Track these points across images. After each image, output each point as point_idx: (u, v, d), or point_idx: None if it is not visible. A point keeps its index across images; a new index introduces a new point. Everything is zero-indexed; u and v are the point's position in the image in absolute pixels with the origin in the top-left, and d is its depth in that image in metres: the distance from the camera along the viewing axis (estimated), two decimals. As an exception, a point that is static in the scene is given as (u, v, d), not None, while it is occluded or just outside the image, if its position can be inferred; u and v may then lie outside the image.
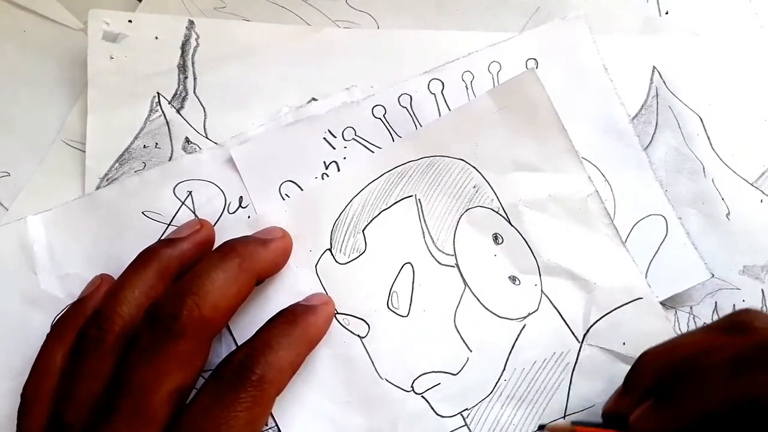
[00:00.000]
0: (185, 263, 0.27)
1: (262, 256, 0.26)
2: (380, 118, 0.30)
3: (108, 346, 0.24)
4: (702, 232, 0.30)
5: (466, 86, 0.31)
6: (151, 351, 0.23)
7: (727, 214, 0.30)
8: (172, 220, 0.30)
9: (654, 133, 0.30)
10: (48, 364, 0.26)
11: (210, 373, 0.24)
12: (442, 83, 0.30)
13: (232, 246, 0.26)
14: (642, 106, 0.31)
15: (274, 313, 0.27)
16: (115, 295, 0.25)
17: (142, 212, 0.30)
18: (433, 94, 0.30)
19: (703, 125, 0.31)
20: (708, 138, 0.30)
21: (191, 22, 0.32)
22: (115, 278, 0.27)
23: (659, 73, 0.31)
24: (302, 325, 0.26)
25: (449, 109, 0.30)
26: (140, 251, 0.27)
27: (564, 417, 0.28)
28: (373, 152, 0.30)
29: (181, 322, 0.23)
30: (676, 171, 0.30)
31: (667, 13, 0.31)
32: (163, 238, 0.28)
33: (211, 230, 0.28)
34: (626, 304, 0.28)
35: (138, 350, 0.24)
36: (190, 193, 0.30)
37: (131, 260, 0.27)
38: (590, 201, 0.29)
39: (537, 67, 0.30)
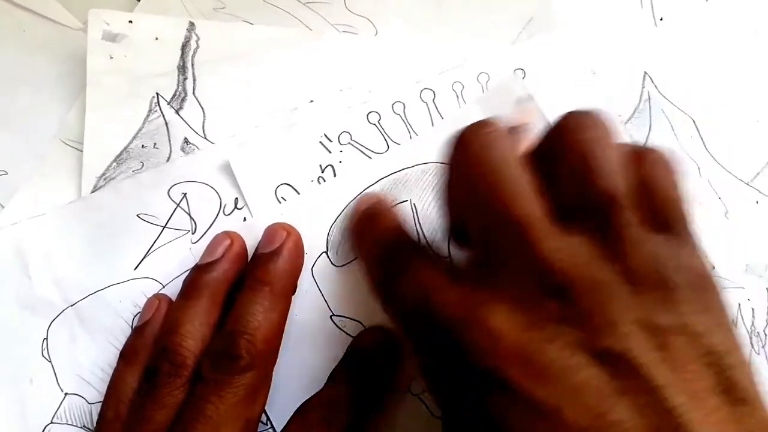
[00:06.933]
0: (231, 281, 0.27)
1: (283, 269, 0.27)
2: (375, 124, 0.30)
3: (182, 380, 0.25)
4: (702, 231, 0.30)
5: (457, 96, 0.31)
6: (221, 384, 0.25)
7: (726, 213, 0.30)
8: (167, 223, 0.30)
9: (648, 135, 0.31)
10: (125, 389, 0.27)
11: None
12: (434, 93, 0.31)
13: (256, 278, 0.27)
14: (635, 109, 0.31)
15: None
16: (178, 331, 0.26)
17: (137, 215, 0.30)
18: (425, 102, 0.31)
19: (697, 128, 0.31)
20: (702, 140, 0.31)
21: (192, 24, 0.32)
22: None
23: (650, 77, 0.31)
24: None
25: (441, 117, 0.31)
26: (185, 281, 0.28)
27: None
28: (368, 157, 0.30)
29: (243, 360, 0.25)
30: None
31: (661, 19, 0.32)
32: (199, 262, 0.28)
33: (241, 240, 0.28)
34: None
35: (207, 385, 0.25)
36: (185, 195, 0.30)
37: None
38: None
39: (524, 77, 0.31)
